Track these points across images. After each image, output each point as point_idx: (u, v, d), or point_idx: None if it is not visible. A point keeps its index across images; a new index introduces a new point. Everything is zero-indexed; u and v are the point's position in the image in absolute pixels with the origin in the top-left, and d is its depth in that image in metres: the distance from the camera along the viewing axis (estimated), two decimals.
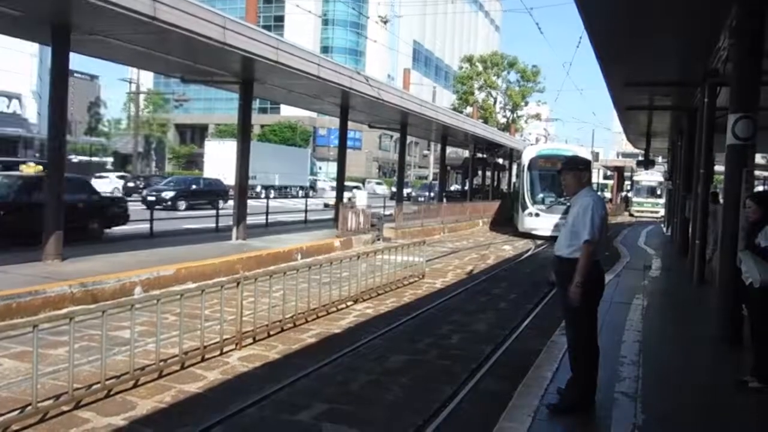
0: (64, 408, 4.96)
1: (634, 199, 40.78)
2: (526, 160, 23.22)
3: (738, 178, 7.06)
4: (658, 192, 37.97)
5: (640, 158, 29.65)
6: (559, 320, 7.85)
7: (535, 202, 22.25)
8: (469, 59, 62.60)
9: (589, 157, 22.21)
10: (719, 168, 16.92)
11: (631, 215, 38.58)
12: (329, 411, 5.28)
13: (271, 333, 7.47)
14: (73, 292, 8.38)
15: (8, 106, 37.32)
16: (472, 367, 6.60)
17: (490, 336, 8.08)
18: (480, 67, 61.21)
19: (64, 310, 7.46)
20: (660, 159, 39.04)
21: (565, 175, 4.92)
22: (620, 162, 54.50)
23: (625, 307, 8.79)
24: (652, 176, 38.25)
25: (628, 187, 47.82)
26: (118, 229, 15.40)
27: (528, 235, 22.07)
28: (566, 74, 42.36)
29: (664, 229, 24.88)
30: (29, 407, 4.72)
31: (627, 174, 49.79)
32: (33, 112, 40.66)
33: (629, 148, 45.51)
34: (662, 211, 32.82)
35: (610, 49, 11.04)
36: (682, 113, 16.36)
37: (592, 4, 8.55)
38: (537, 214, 21.86)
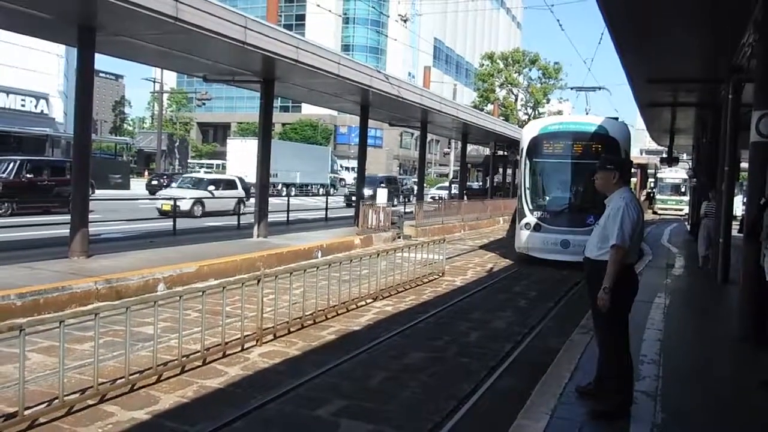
0: (90, 402, 5.07)
1: (658, 197, 40.26)
2: (525, 140, 15.28)
3: (762, 175, 6.97)
4: (683, 189, 37.44)
5: (664, 155, 29.30)
6: (578, 319, 7.84)
7: (537, 208, 14.65)
8: (490, 56, 62.34)
9: (621, 130, 14.44)
10: (745, 165, 16.67)
11: (654, 213, 38.12)
12: (348, 407, 5.33)
13: (291, 330, 7.54)
14: (98, 288, 8.55)
15: (36, 106, 37.96)
16: (491, 365, 6.60)
17: (509, 334, 8.07)
18: (501, 65, 60.96)
19: (90, 306, 7.59)
20: (684, 156, 38.48)
21: (596, 175, 4.82)
22: (644, 159, 53.84)
23: (647, 306, 8.71)
24: (677, 173, 37.72)
25: (652, 185, 47.24)
26: (142, 226, 15.67)
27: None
28: (588, 71, 41.93)
29: (688, 227, 24.54)
30: (56, 400, 4.84)
31: (650, 171, 49.20)
32: (59, 111, 41.25)
33: (653, 145, 44.98)
34: (686, 209, 32.37)
35: (632, 46, 10.95)
36: (706, 110, 16.14)
37: (613, 1, 8.49)
38: (537, 227, 14.30)
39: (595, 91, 18.82)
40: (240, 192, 23.70)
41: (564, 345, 6.64)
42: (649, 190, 46.14)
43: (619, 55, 11.51)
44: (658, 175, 41.89)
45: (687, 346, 7.13)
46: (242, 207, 22.61)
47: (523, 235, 14.60)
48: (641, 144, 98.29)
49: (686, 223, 27.18)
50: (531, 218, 14.46)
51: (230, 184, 23.92)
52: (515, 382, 6.13)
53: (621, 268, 4.43)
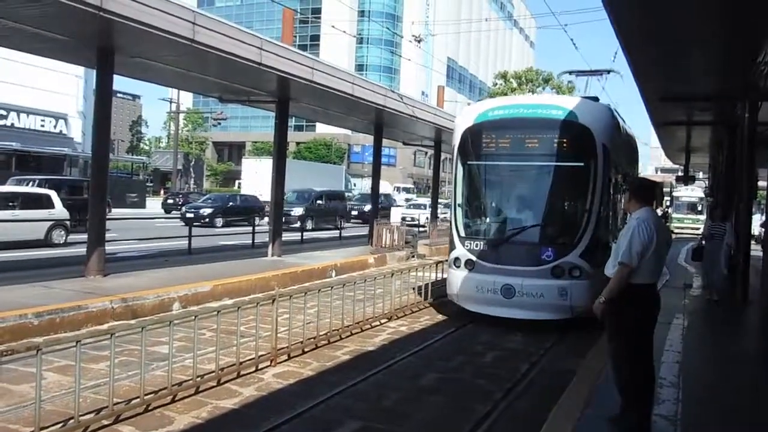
0: (105, 422, 5.07)
1: (674, 216, 39.94)
2: (458, 134, 10.33)
3: None
4: (699, 208, 37.15)
5: (680, 174, 29.08)
6: (593, 340, 7.75)
7: (470, 235, 9.89)
8: (504, 75, 62.46)
9: (599, 115, 9.89)
10: (762, 183, 16.46)
11: (671, 232, 37.79)
12: (363, 429, 5.29)
13: (306, 350, 7.52)
14: (114, 307, 8.59)
15: (55, 126, 38.60)
16: (507, 387, 6.53)
17: (525, 354, 7.98)
18: (514, 84, 60.98)
19: (106, 325, 7.65)
20: (701, 174, 38.22)
21: None
22: (659, 177, 53.51)
23: (665, 327, 8.56)
24: (693, 192, 37.46)
25: (668, 203, 46.92)
26: (156, 245, 15.76)
27: None
28: (602, 89, 41.84)
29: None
30: (71, 420, 4.84)
31: (666, 190, 48.85)
32: (78, 131, 41.87)
33: (668, 163, 44.73)
34: (703, 228, 32.06)
35: (646, 64, 10.90)
36: (722, 128, 16.02)
37: (626, 19, 8.49)
38: (470, 264, 9.57)
39: (602, 75, 14.86)
40: (58, 212, 16.00)
41: (581, 367, 6.56)
42: (664, 209, 45.81)
43: (633, 74, 11.47)
44: (674, 194, 41.62)
45: (707, 369, 7.01)
46: (63, 235, 15.68)
47: (452, 276, 9.96)
48: (656, 162, 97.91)
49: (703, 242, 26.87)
50: (461, 251, 9.73)
51: (36, 202, 15.59)
52: (532, 404, 6.05)
53: (623, 284, 4.44)
